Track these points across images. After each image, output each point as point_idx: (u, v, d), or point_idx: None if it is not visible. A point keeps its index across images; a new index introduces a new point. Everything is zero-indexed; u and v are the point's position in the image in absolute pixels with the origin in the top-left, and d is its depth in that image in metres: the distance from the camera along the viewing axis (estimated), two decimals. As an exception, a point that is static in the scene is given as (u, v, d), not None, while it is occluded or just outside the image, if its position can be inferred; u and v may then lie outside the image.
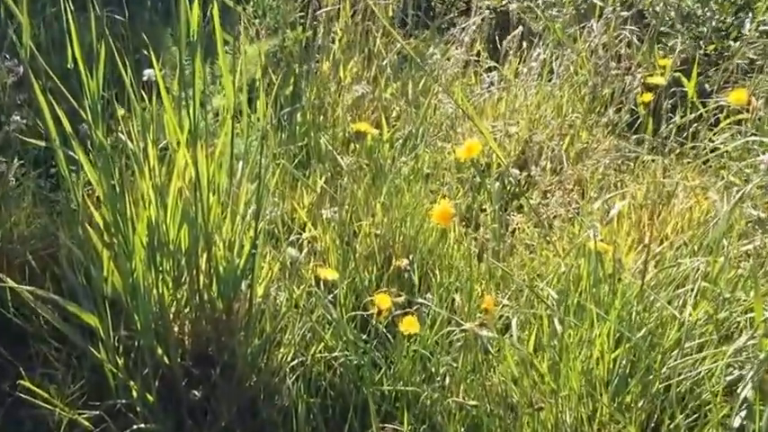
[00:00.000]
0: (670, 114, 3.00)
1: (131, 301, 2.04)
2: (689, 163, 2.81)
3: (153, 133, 2.00)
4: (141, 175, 2.00)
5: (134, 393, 2.05)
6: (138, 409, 2.04)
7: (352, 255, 2.23)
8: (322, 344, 2.12)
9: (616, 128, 2.91)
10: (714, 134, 2.92)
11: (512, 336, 1.89)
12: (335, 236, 2.30)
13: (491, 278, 2.03)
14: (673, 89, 3.14)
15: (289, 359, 2.13)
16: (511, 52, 3.26)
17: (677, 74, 3.18)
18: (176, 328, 2.15)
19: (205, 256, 2.06)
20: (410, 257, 2.10)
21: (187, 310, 2.14)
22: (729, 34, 3.50)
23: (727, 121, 2.91)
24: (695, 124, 2.91)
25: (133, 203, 1.97)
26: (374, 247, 2.32)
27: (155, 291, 2.04)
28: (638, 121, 3.03)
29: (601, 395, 1.91)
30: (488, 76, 3.17)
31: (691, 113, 2.94)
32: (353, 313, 2.13)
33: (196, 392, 2.09)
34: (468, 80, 3.22)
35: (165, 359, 2.08)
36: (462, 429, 1.89)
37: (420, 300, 1.93)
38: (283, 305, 2.12)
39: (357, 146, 2.63)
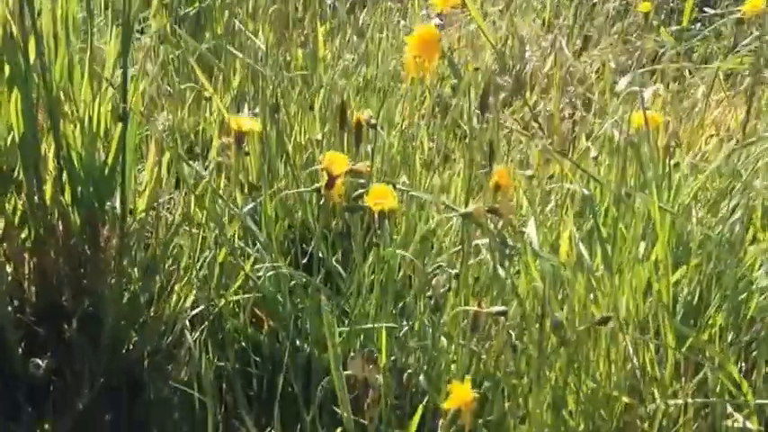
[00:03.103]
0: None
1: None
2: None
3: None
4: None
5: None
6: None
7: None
8: (239, 280, 1.38)
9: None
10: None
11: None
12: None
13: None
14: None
15: (188, 306, 1.38)
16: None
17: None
18: (9, 268, 1.37)
19: (51, 141, 1.31)
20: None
21: (25, 234, 1.36)
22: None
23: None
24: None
25: None
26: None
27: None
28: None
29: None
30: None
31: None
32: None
33: (40, 362, 1.32)
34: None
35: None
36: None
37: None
38: (176, 222, 1.37)
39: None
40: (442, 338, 1.16)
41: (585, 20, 2.31)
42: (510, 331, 1.06)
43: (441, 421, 0.96)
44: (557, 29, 2.19)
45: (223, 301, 1.35)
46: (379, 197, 1.07)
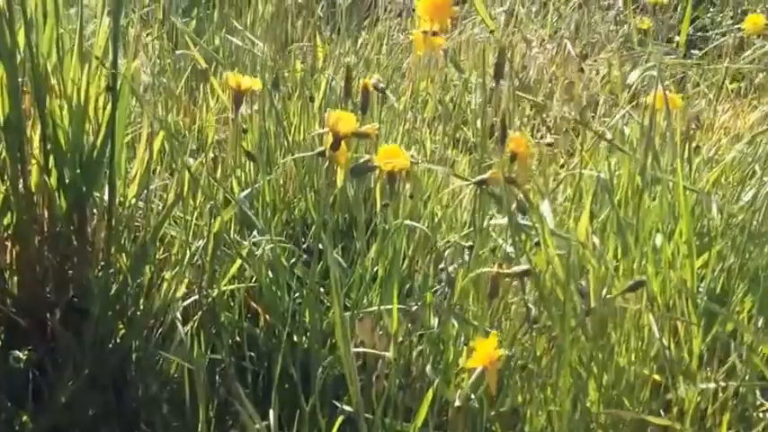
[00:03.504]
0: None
1: None
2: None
3: None
4: None
5: None
6: None
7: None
8: (233, 268, 1.30)
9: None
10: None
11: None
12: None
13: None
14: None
15: (179, 296, 1.29)
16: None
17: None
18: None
19: (37, 121, 1.23)
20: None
21: (6, 221, 1.28)
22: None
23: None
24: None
25: None
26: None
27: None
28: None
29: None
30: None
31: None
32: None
33: (21, 355, 1.24)
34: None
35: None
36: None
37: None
38: (168, 206, 1.29)
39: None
40: (453, 321, 1.07)
41: (587, 29, 2.26)
42: (529, 305, 0.97)
43: (458, 392, 0.87)
44: (560, 36, 2.14)
45: (216, 292, 1.27)
46: (390, 156, 1.00)
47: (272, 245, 1.19)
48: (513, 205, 1.00)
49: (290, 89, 1.76)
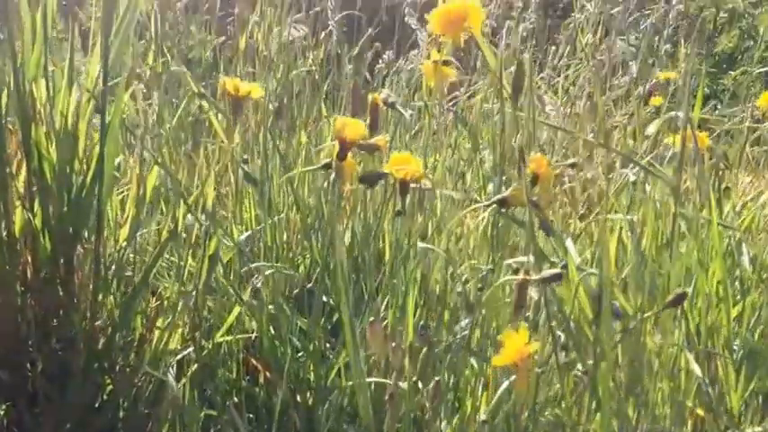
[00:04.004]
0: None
1: None
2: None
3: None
4: None
5: None
6: None
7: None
8: (230, 318, 1.20)
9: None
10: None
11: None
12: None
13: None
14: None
15: (174, 348, 1.19)
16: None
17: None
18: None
19: (22, 157, 1.16)
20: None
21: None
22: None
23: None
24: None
25: None
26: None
27: None
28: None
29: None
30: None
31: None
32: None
33: (-5, 412, 1.13)
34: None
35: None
36: None
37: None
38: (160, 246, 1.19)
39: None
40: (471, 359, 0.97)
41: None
42: (558, 332, 0.87)
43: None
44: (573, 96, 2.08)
45: (212, 344, 1.17)
46: (401, 163, 0.91)
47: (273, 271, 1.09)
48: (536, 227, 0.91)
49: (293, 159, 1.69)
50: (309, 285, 1.20)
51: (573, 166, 1.09)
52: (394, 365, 0.76)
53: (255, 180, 1.18)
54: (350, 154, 1.01)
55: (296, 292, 1.20)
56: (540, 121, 1.07)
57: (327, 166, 0.96)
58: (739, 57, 3.23)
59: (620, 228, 1.24)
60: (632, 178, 1.25)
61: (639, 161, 1.14)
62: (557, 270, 0.82)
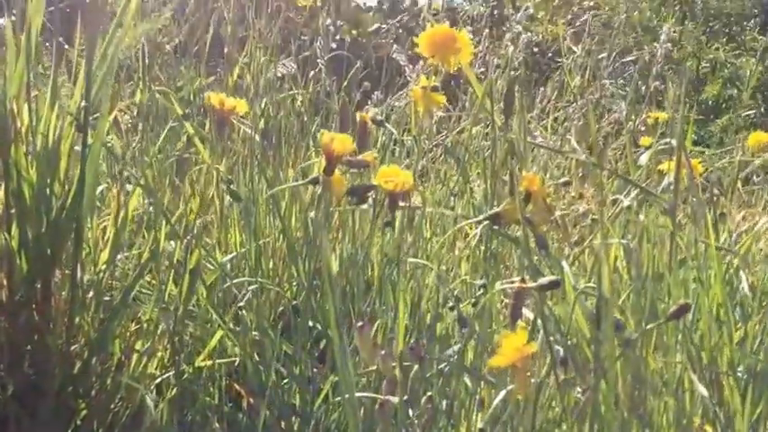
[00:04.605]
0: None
1: None
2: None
3: None
4: None
5: None
6: None
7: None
8: (213, 341, 1.15)
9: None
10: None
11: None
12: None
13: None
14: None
15: (153, 372, 1.14)
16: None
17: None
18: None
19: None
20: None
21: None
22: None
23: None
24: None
25: None
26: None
27: None
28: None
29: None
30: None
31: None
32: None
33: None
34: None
35: None
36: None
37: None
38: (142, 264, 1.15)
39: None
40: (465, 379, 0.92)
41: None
42: (557, 347, 0.83)
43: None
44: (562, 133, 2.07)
45: (192, 368, 1.12)
46: (390, 176, 0.88)
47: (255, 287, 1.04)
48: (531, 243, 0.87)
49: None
50: (295, 302, 1.16)
51: (567, 184, 1.06)
52: (384, 373, 0.72)
53: (240, 196, 1.15)
54: (338, 171, 0.98)
55: (281, 309, 1.16)
56: (529, 142, 1.04)
57: (315, 181, 0.92)
58: (723, 104, 3.25)
59: (615, 257, 1.21)
60: (626, 203, 1.22)
61: (634, 183, 1.11)
62: (554, 277, 0.78)
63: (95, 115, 1.13)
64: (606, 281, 0.88)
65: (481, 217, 0.91)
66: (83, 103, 1.13)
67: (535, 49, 4.56)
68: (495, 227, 0.92)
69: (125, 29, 1.20)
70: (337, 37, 4.25)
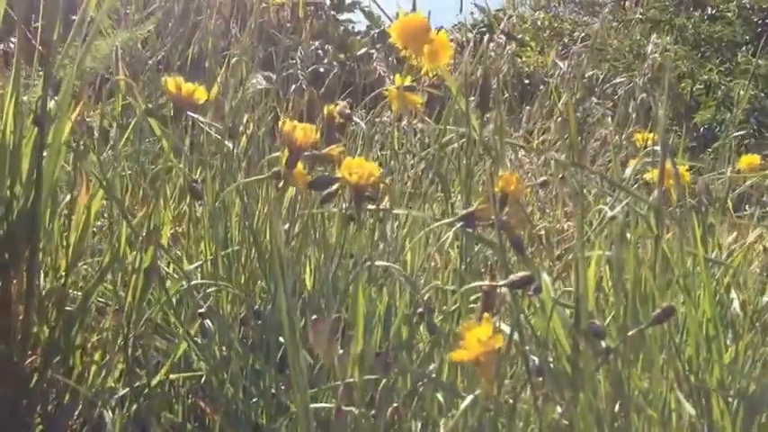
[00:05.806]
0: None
1: None
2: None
3: None
4: None
5: None
6: None
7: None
8: (179, 351, 1.09)
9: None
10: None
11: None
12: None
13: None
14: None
15: (113, 386, 1.08)
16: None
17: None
18: None
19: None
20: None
21: None
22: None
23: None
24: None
25: None
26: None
27: None
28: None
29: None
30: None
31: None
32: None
33: None
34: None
35: None
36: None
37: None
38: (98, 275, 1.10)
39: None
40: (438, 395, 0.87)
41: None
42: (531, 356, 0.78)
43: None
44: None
45: (155, 381, 1.06)
46: (356, 168, 0.83)
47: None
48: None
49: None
50: (256, 307, 1.10)
51: (544, 184, 1.01)
52: (339, 372, 0.66)
53: (201, 194, 1.09)
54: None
55: (244, 314, 1.10)
56: (507, 141, 1.00)
57: (276, 176, 0.87)
58: (717, 129, 3.22)
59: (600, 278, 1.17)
60: (610, 214, 1.17)
61: (617, 185, 1.07)
62: (527, 273, 0.73)
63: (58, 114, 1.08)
64: (583, 281, 0.83)
65: (454, 218, 0.86)
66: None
67: (526, 81, 4.54)
68: (469, 228, 0.87)
69: (93, 31, 1.16)
70: (325, 61, 4.21)
